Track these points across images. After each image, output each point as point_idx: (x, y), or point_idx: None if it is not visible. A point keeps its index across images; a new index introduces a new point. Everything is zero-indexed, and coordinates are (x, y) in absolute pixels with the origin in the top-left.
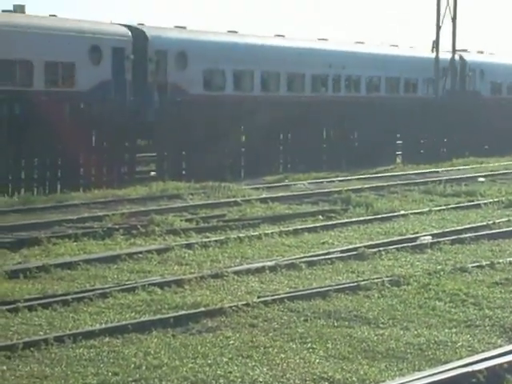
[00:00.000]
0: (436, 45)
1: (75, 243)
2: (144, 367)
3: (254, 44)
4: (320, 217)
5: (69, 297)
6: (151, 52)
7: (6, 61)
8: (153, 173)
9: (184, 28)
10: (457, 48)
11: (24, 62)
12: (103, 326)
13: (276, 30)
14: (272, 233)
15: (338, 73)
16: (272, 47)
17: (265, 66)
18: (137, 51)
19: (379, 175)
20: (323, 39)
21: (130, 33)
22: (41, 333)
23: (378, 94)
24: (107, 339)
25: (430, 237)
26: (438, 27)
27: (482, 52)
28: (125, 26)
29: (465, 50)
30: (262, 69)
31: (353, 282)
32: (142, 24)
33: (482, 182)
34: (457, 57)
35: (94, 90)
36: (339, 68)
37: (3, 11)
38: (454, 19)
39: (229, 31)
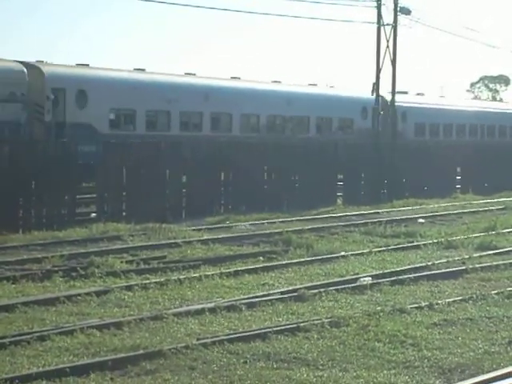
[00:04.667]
0: (376, 87)
1: (13, 285)
2: None
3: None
4: (261, 258)
5: (6, 340)
6: None
7: None
8: (93, 214)
9: None
10: (397, 90)
11: None
12: (41, 369)
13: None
14: (212, 274)
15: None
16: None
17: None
18: None
19: (320, 216)
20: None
21: None
22: None
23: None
24: (44, 383)
25: (370, 278)
26: (378, 70)
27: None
28: None
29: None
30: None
31: (292, 324)
32: None
33: (422, 223)
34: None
35: None
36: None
37: None
38: (393, 62)
39: (135, 69)
